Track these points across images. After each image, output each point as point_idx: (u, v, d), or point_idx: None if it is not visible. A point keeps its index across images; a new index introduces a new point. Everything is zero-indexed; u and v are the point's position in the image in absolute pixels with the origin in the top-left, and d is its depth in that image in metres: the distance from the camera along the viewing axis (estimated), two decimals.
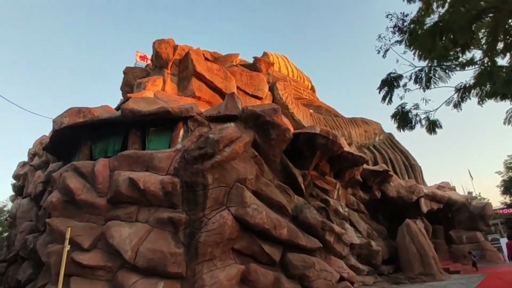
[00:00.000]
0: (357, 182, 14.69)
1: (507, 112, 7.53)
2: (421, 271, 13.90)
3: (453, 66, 7.06)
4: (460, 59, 7.93)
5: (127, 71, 17.16)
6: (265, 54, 27.10)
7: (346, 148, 12.83)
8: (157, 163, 10.05)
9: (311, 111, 21.83)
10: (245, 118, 10.98)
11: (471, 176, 37.41)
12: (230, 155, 10.05)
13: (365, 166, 14.72)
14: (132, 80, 16.60)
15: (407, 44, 5.87)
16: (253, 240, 9.81)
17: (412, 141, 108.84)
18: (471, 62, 7.85)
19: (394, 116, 6.73)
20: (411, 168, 21.03)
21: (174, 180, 9.66)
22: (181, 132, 10.90)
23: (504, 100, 7.73)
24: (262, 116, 10.70)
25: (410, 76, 6.47)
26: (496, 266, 16.69)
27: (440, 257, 18.79)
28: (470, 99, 6.47)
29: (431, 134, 6.81)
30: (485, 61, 7.73)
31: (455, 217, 19.87)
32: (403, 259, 14.45)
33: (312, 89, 30.69)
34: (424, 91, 6.34)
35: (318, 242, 10.87)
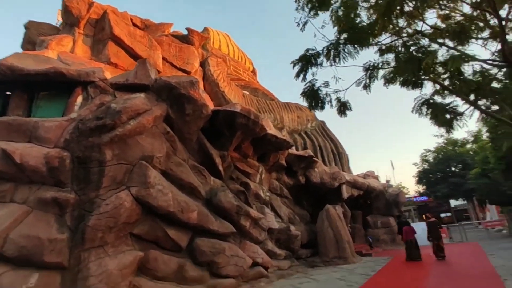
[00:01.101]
0: (281, 166, 14.44)
1: (415, 100, 7.51)
2: (336, 255, 14.30)
3: (370, 45, 6.71)
4: (380, 45, 7.71)
5: (30, 26, 14.47)
6: (205, 29, 25.48)
7: (271, 130, 12.35)
8: (42, 133, 8.42)
9: (247, 92, 21.12)
10: (157, 89, 9.77)
11: (392, 166, 40.75)
12: (135, 129, 8.83)
13: (290, 151, 14.50)
14: (35, 37, 14.07)
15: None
16: (157, 225, 8.84)
17: (344, 131, 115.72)
18: (389, 49, 7.65)
19: (304, 93, 6.20)
20: (339, 156, 21.68)
21: (62, 154, 8.18)
22: (79, 99, 9.33)
23: (414, 89, 7.72)
24: (176, 88, 9.59)
25: (322, 51, 5.94)
26: (403, 248, 17.90)
27: (358, 240, 19.85)
28: (377, 80, 6.19)
29: (341, 116, 6.47)
30: (402, 49, 7.59)
31: (373, 204, 21.05)
32: (321, 243, 14.74)
33: (253, 71, 29.97)
34: (331, 65, 5.90)
35: (232, 227, 10.30)
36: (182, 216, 9.00)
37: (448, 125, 8.66)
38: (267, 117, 17.20)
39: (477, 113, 8.97)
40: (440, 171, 39.91)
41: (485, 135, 22.08)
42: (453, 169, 39.21)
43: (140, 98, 9.22)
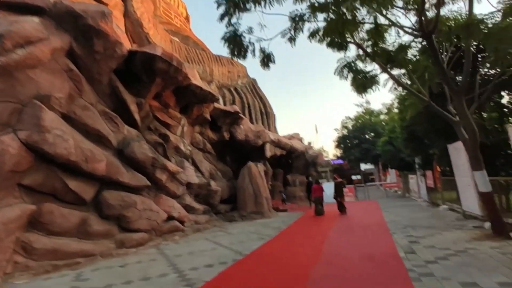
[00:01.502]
0: (206, 120, 13.93)
1: (338, 62, 7.54)
2: (254, 210, 14.84)
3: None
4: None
5: None
6: None
7: (196, 81, 11.57)
8: None
9: (176, 39, 19.41)
10: (57, 15, 8.12)
11: (316, 130, 43.18)
12: (25, 60, 7.31)
13: (216, 105, 13.99)
14: None
15: None
16: (54, 175, 7.76)
17: (273, 92, 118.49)
18: (322, 8, 7.35)
19: (225, 38, 5.65)
20: (266, 115, 21.93)
21: None
22: None
23: (340, 51, 7.70)
24: (82, 18, 8.10)
25: None
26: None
27: (277, 197, 20.98)
28: (302, 32, 5.95)
29: (264, 68, 6.14)
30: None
31: (294, 163, 22.20)
32: (240, 199, 15.08)
33: (187, 18, 27.65)
34: (255, 7, 5.42)
35: (146, 180, 9.70)
36: (86, 166, 8.06)
37: (363, 90, 9.07)
38: (196, 68, 16.16)
39: (391, 83, 9.57)
40: (356, 138, 43.84)
41: (396, 109, 24.33)
42: (367, 136, 43.36)
43: (32, 22, 7.56)
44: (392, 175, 32.84)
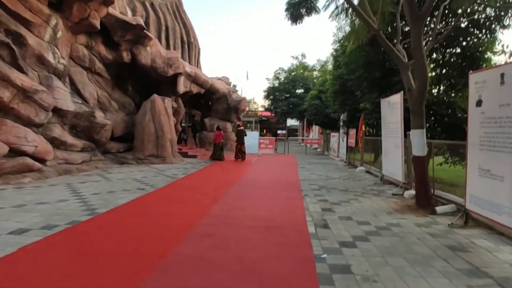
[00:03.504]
0: (95, 30, 10.32)
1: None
2: (153, 153, 12.35)
3: None
4: None
5: None
6: None
7: None
8: None
9: None
10: None
11: (247, 77, 40.70)
12: None
13: (111, 10, 10.38)
14: None
15: None
16: None
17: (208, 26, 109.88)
18: None
19: None
20: (189, 46, 18.52)
21: None
22: None
23: None
24: None
25: None
26: (233, 153, 17.77)
27: (189, 141, 18.64)
28: None
29: None
30: None
31: (213, 106, 19.75)
32: (138, 138, 12.36)
33: None
34: None
35: None
36: None
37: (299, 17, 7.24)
38: None
39: (333, 7, 7.54)
40: (286, 91, 42.75)
41: (331, 66, 22.73)
42: (297, 91, 42.56)
43: None
44: (315, 132, 32.98)
